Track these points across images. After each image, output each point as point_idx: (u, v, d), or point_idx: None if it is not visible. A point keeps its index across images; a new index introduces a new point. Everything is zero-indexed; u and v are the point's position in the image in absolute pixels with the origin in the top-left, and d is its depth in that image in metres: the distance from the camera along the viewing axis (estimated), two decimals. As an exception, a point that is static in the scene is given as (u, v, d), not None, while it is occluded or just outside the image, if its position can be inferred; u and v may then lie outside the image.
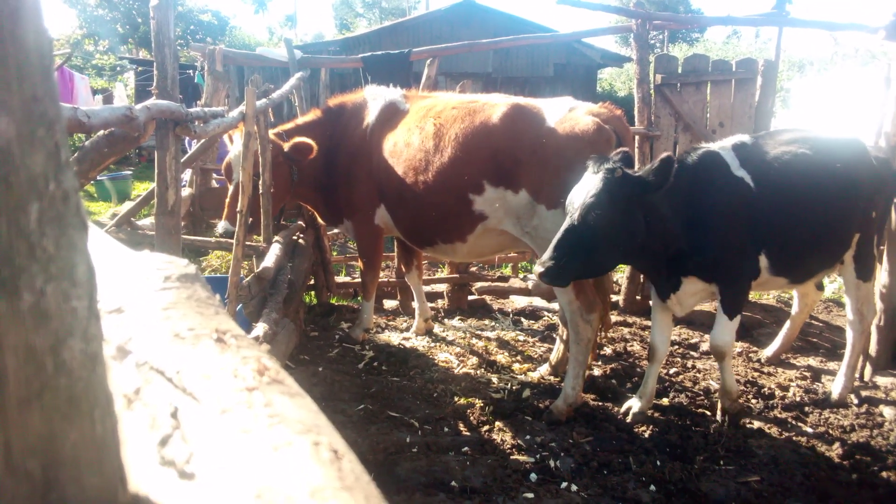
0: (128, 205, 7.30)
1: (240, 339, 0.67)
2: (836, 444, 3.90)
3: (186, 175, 7.75)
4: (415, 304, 5.80)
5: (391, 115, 4.92)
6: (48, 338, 0.44)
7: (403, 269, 5.81)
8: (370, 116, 5.01)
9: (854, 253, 4.35)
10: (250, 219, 4.26)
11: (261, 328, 3.43)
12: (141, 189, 13.03)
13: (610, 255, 3.65)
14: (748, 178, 3.90)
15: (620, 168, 3.52)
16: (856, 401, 4.49)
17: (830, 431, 4.12)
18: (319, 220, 5.93)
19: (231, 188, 4.93)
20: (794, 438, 3.98)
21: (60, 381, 0.45)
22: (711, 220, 3.79)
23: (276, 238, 4.94)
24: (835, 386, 4.55)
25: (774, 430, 4.09)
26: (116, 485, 0.50)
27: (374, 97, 5.11)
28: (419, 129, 4.58)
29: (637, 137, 6.12)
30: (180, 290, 0.73)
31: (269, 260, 4.39)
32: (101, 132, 3.03)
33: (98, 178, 12.37)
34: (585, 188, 3.55)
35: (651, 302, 4.29)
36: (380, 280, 6.01)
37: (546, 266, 3.50)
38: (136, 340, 0.64)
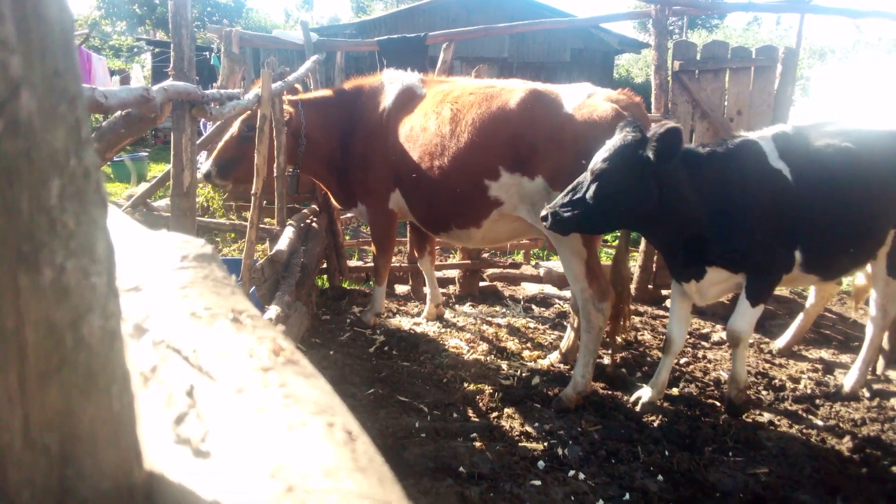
0: (143, 186, 7.34)
1: (255, 319, 0.67)
2: (847, 438, 3.88)
3: (202, 157, 7.78)
4: (426, 290, 5.82)
5: (408, 100, 4.89)
6: (68, 313, 0.44)
7: (416, 255, 5.81)
8: (387, 100, 4.98)
9: (889, 249, 4.23)
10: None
11: (273, 311, 3.46)
12: (157, 171, 13.10)
13: (610, 215, 3.65)
14: (786, 169, 3.80)
15: (639, 132, 3.54)
16: (867, 394, 4.45)
17: (841, 424, 4.09)
18: (333, 202, 5.94)
19: (227, 136, 5.12)
20: (804, 431, 3.96)
21: (79, 357, 0.45)
22: (741, 211, 3.71)
23: (290, 221, 4.96)
24: (847, 379, 4.51)
25: (784, 423, 4.07)
26: (132, 461, 0.50)
27: (391, 81, 5.08)
28: (436, 114, 4.55)
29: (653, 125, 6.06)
30: (197, 269, 0.73)
31: (283, 243, 4.41)
32: (118, 113, 3.04)
33: (119, 157, 12.48)
34: (606, 146, 3.62)
35: (671, 291, 4.24)
36: (392, 265, 6.03)
37: (549, 212, 3.65)
38: (154, 319, 0.64)
